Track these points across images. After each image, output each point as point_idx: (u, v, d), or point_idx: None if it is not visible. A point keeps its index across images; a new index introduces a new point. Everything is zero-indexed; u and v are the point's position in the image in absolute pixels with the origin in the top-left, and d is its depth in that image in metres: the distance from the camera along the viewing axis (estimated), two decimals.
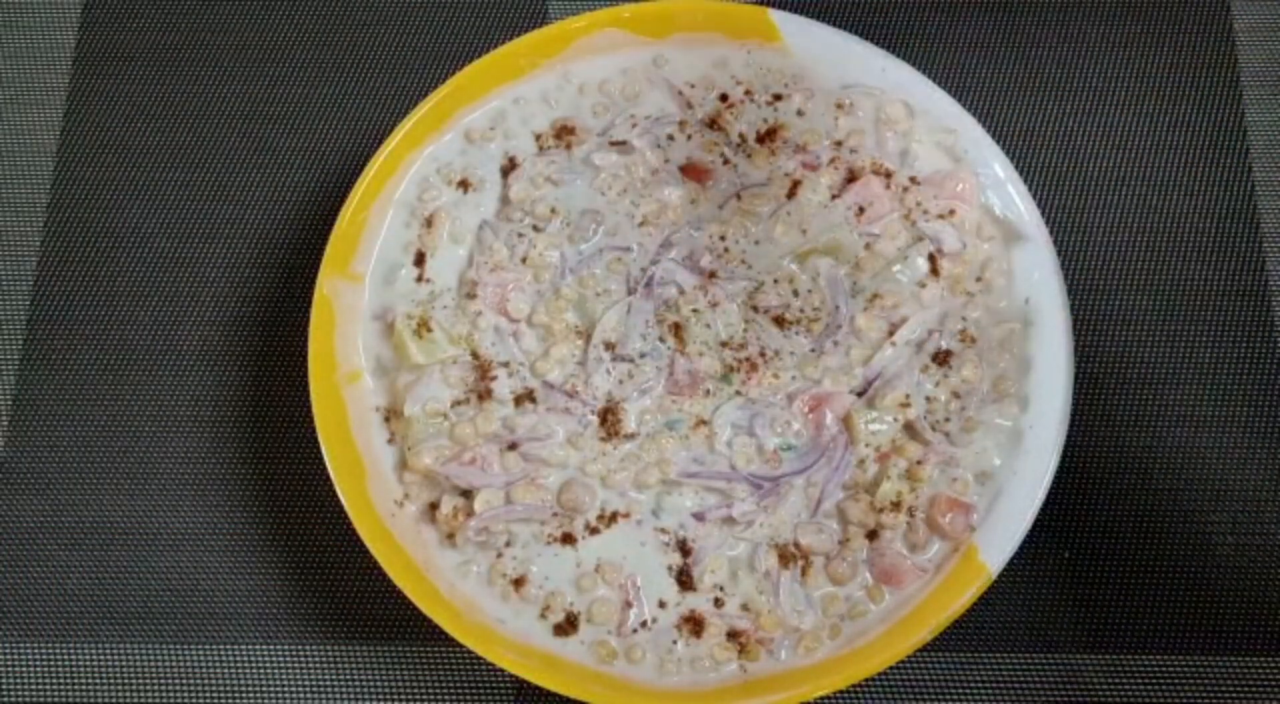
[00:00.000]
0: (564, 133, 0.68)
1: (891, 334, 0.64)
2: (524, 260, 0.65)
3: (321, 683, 0.66)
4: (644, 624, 0.61)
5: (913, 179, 0.67)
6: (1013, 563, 0.60)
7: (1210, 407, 0.70)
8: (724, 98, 0.68)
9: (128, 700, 0.66)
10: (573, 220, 0.66)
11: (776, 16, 0.68)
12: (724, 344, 0.64)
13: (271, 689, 0.66)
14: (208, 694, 0.66)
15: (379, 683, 0.66)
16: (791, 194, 0.66)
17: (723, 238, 0.66)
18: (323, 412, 0.62)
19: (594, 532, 0.62)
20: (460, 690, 0.66)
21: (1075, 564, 0.67)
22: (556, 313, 0.64)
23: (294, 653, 0.66)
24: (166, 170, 0.75)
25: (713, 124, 0.68)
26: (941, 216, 0.66)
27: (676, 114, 0.68)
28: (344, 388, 0.64)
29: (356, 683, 0.66)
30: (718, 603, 0.61)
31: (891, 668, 0.59)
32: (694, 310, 0.64)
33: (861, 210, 0.66)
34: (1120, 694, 0.65)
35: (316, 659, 0.66)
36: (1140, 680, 0.65)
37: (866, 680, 0.62)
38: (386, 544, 0.61)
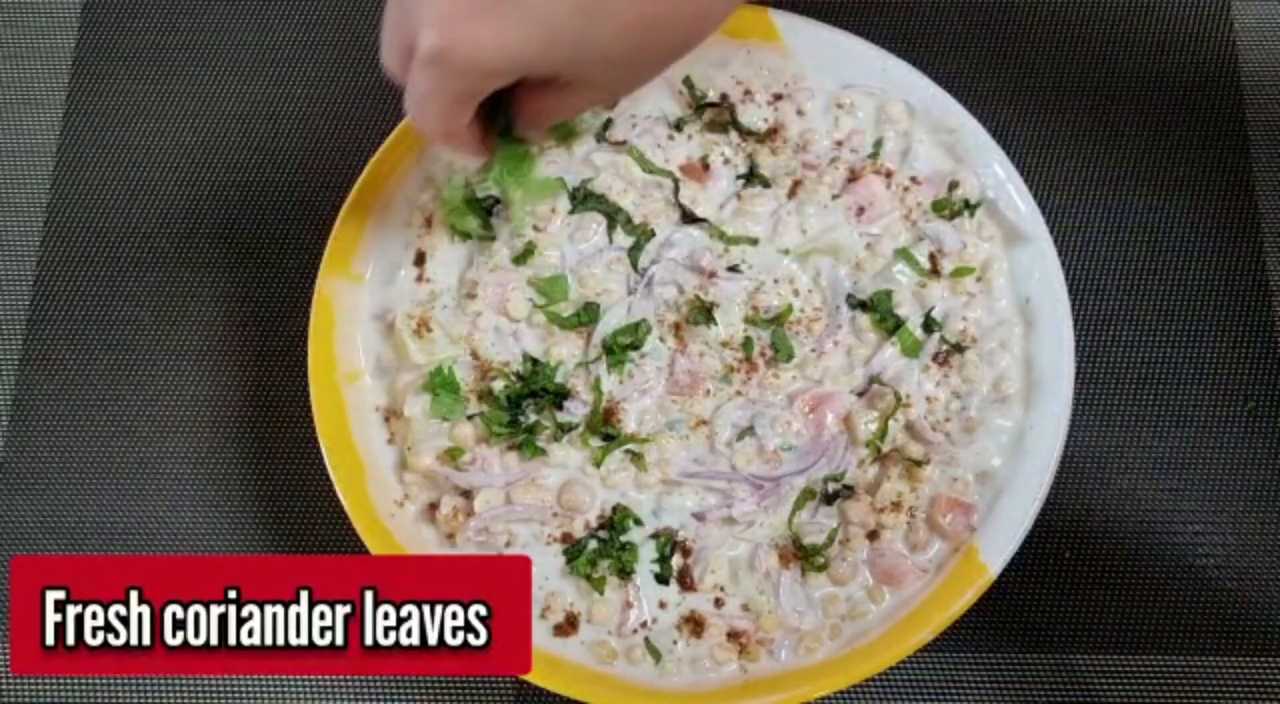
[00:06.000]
0: (564, 133, 0.68)
1: (892, 334, 0.64)
2: (524, 260, 0.65)
3: (321, 683, 0.66)
4: (644, 624, 0.61)
5: (913, 179, 0.66)
6: (1013, 563, 0.60)
7: (1210, 407, 0.70)
8: (724, 98, 0.68)
9: (128, 701, 0.66)
10: (573, 220, 0.66)
11: (776, 16, 0.68)
12: (724, 344, 0.64)
13: (271, 689, 0.66)
14: (208, 694, 0.66)
15: (378, 683, 0.66)
16: (792, 194, 0.66)
17: (723, 237, 0.65)
18: (323, 412, 0.62)
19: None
20: (460, 690, 0.66)
21: (1075, 564, 0.67)
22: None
23: None
24: (166, 170, 0.75)
25: (712, 124, 0.68)
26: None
27: (676, 114, 0.68)
28: (344, 388, 0.64)
29: (356, 683, 0.66)
30: (718, 603, 0.61)
31: (891, 668, 0.59)
32: (695, 310, 0.64)
33: (861, 210, 0.66)
34: (1120, 694, 0.65)
35: None
36: (1140, 680, 0.65)
37: (866, 680, 0.62)
38: (386, 544, 0.61)
